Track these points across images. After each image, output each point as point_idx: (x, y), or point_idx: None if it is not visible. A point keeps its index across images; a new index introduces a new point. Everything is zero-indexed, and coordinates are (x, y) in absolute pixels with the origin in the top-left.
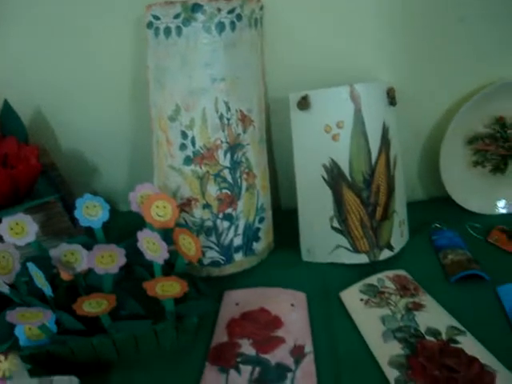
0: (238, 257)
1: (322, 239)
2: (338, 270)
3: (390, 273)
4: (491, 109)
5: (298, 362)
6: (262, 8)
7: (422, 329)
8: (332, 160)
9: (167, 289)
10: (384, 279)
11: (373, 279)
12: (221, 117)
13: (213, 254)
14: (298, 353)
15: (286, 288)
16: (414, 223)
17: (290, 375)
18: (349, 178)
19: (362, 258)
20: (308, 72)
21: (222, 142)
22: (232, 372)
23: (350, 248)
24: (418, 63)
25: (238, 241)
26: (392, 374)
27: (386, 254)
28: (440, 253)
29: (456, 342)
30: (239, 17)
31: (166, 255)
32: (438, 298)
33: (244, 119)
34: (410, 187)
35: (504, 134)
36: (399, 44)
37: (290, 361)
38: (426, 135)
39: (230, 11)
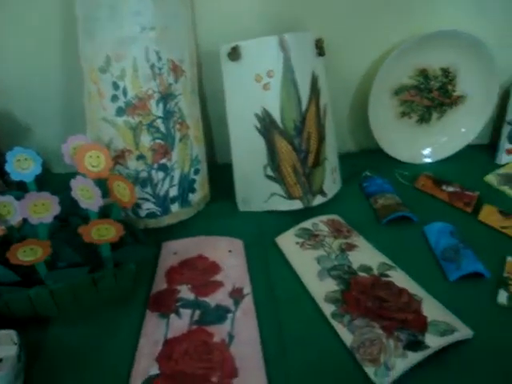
0: (175, 208)
1: (256, 188)
2: (274, 217)
3: (324, 217)
4: (415, 61)
5: (237, 302)
6: None
7: (355, 266)
8: (264, 109)
9: (103, 233)
10: (318, 223)
11: (307, 224)
12: (152, 66)
13: (149, 206)
14: (236, 294)
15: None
16: (346, 173)
17: (230, 315)
18: (280, 126)
19: (296, 204)
20: (239, 24)
21: (154, 91)
22: (172, 316)
23: (285, 195)
24: (344, 16)
25: (173, 192)
26: (328, 308)
27: (319, 200)
28: (371, 198)
29: (387, 276)
30: None
31: (101, 202)
32: (371, 239)
33: (175, 69)
34: (342, 138)
35: (427, 85)
36: None
37: (229, 302)
38: (355, 87)
39: None
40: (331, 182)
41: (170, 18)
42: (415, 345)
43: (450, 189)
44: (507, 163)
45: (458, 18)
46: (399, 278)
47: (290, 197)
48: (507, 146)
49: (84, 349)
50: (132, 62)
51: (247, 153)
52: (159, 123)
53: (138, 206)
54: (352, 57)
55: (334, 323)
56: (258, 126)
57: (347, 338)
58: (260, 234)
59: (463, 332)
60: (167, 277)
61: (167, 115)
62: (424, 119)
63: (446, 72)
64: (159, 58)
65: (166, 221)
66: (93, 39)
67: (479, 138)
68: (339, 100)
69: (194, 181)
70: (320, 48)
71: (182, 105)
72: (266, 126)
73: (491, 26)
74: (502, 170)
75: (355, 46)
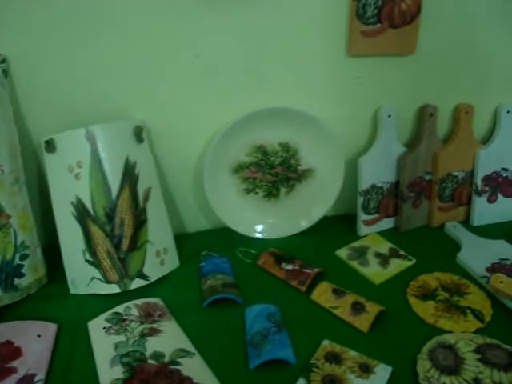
0: None
1: (80, 272)
2: (98, 300)
3: (140, 301)
4: (248, 138)
5: None
6: (4, 61)
7: (148, 353)
8: (77, 197)
9: None
10: (131, 307)
11: (120, 308)
12: None
13: None
14: (25, 381)
15: (43, 320)
16: (193, 251)
17: None
18: (92, 214)
19: (114, 288)
20: (70, 115)
21: None
22: None
23: (102, 279)
24: (169, 101)
25: None
26: None
27: (138, 283)
28: (202, 279)
29: (177, 363)
30: None
31: None
32: (187, 322)
33: None
34: (192, 217)
35: (268, 160)
36: (152, 83)
37: None
38: (193, 167)
39: None
40: (157, 265)
41: None
42: None
43: (289, 267)
44: (366, 235)
45: (291, 97)
46: (191, 366)
47: (108, 281)
48: (364, 217)
49: None
50: None
51: (69, 238)
52: None
53: None
54: (186, 139)
55: None
56: (75, 213)
57: None
58: (80, 318)
59: None
60: None
61: None
62: (272, 194)
63: (285, 147)
64: None
65: None
66: None
67: (343, 208)
68: (181, 181)
69: (20, 266)
70: (138, 135)
71: None
72: (81, 213)
73: (324, 104)
74: (357, 243)
75: (187, 128)
